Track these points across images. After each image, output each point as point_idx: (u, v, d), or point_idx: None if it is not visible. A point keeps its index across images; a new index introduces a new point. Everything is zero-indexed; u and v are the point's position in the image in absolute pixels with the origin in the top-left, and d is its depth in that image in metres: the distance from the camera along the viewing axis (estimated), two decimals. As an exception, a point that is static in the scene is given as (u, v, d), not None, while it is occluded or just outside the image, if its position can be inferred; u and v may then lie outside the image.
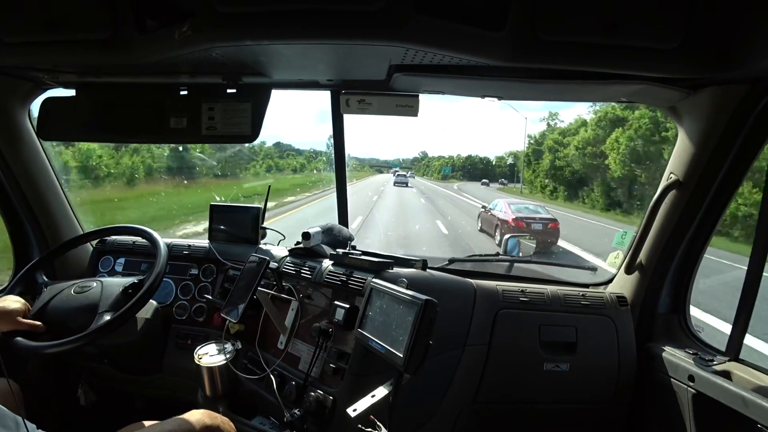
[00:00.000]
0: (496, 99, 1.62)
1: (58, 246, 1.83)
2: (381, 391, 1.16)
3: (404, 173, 35.79)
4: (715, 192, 1.44)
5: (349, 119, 1.84)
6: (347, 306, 1.47)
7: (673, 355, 1.52)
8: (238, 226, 2.13)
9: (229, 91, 1.61)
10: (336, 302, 1.51)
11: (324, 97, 1.83)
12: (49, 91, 1.77)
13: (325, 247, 1.82)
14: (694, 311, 1.50)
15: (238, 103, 1.59)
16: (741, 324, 1.37)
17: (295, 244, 1.88)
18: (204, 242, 2.11)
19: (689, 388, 1.41)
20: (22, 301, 1.57)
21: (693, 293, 1.65)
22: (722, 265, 7.06)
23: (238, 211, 2.15)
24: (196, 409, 1.29)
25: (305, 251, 1.81)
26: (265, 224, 2.12)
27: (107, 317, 1.52)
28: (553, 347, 1.66)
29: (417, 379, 1.16)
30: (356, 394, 1.20)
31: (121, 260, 2.11)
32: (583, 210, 19.44)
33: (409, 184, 31.14)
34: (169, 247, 1.90)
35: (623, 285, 1.77)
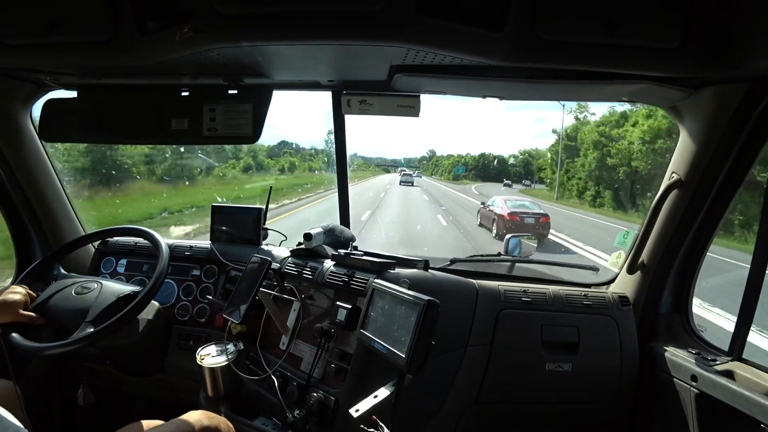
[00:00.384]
0: (497, 99, 1.62)
1: (60, 247, 1.84)
2: (383, 392, 1.16)
3: (410, 173, 35.76)
4: (717, 191, 1.43)
5: (357, 118, 1.83)
6: (349, 306, 1.47)
7: (675, 354, 1.52)
8: (240, 226, 2.13)
9: (230, 92, 1.61)
10: (338, 303, 1.51)
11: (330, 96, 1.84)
12: (50, 93, 1.78)
13: (326, 247, 1.82)
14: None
15: (240, 104, 1.59)
16: (744, 324, 1.37)
17: (297, 245, 1.88)
18: (206, 243, 2.12)
19: (692, 388, 1.41)
20: (24, 292, 1.57)
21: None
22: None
23: (239, 212, 2.15)
24: (195, 410, 1.30)
25: (307, 252, 1.81)
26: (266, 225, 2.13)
27: (89, 330, 1.50)
28: (556, 347, 1.66)
29: (419, 379, 1.16)
30: (358, 394, 1.20)
31: (123, 261, 2.11)
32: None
33: (414, 184, 31.18)
34: (171, 248, 1.90)
35: (625, 285, 1.76)
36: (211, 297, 1.94)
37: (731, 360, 1.39)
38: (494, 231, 11.75)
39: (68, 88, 1.71)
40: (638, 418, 1.67)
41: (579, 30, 1.08)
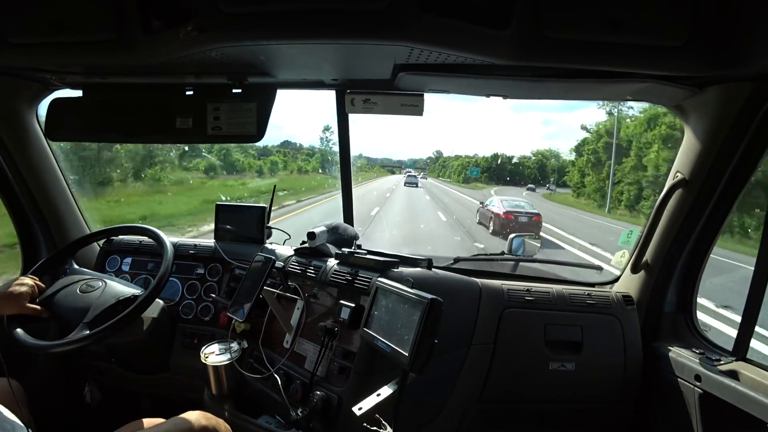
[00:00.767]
0: (501, 98, 1.62)
1: (67, 245, 1.85)
2: (386, 390, 1.16)
3: (415, 174, 35.60)
4: (722, 191, 1.43)
5: (362, 120, 1.84)
6: (353, 305, 1.47)
7: (679, 354, 1.52)
8: (244, 225, 2.13)
9: (234, 91, 1.61)
10: (341, 301, 1.52)
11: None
12: (56, 92, 1.79)
13: (330, 246, 1.82)
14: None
15: (244, 103, 1.60)
16: (748, 324, 1.36)
17: (301, 244, 1.89)
18: (210, 242, 2.12)
19: (696, 388, 1.40)
20: (31, 284, 1.58)
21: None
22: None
23: (243, 210, 2.15)
24: (194, 410, 1.30)
25: (311, 250, 1.81)
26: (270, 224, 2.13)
27: (85, 332, 1.50)
28: (559, 346, 1.66)
29: (422, 378, 1.16)
30: (362, 393, 1.20)
31: (128, 260, 2.12)
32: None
33: (419, 185, 31.19)
34: (176, 246, 1.91)
35: (629, 284, 1.76)
36: (215, 295, 1.94)
37: (735, 360, 1.39)
38: (491, 228, 12.64)
39: (73, 87, 1.71)
40: (642, 418, 1.67)
41: (583, 28, 1.08)
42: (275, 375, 1.54)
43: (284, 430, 1.50)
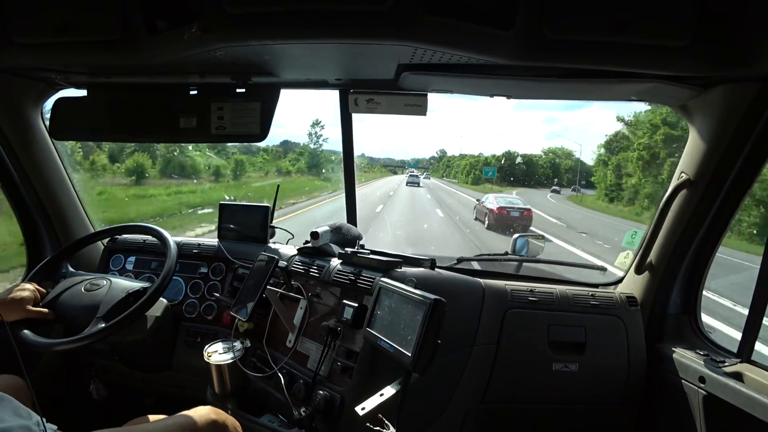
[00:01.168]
0: (504, 98, 1.61)
1: (70, 244, 1.86)
2: (389, 390, 1.16)
3: (416, 174, 35.40)
4: (727, 191, 1.42)
5: (364, 118, 1.83)
6: (356, 305, 1.48)
7: (683, 356, 1.51)
8: (248, 224, 2.14)
9: (238, 90, 1.62)
10: (345, 301, 1.52)
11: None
12: (61, 92, 1.80)
13: (333, 246, 1.82)
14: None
15: (247, 103, 1.60)
16: (753, 325, 1.35)
17: (304, 243, 1.89)
18: (213, 241, 2.13)
19: (700, 390, 1.40)
20: (32, 289, 1.59)
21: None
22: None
23: (247, 210, 2.16)
24: (203, 406, 1.31)
25: (314, 250, 1.81)
26: (273, 223, 2.14)
27: (101, 325, 1.53)
28: (562, 347, 1.65)
29: (425, 378, 1.16)
30: (365, 392, 1.21)
31: (132, 259, 2.13)
32: None
33: (420, 185, 31.08)
34: (179, 245, 1.91)
35: (633, 285, 1.75)
36: (218, 294, 1.95)
37: (740, 362, 1.38)
38: (486, 223, 13.74)
39: (78, 86, 1.72)
40: (645, 420, 1.66)
41: (588, 28, 1.07)
42: (278, 374, 1.55)
43: (287, 429, 1.51)
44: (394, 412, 1.16)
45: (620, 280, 1.86)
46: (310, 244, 1.82)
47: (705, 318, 1.65)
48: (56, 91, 1.80)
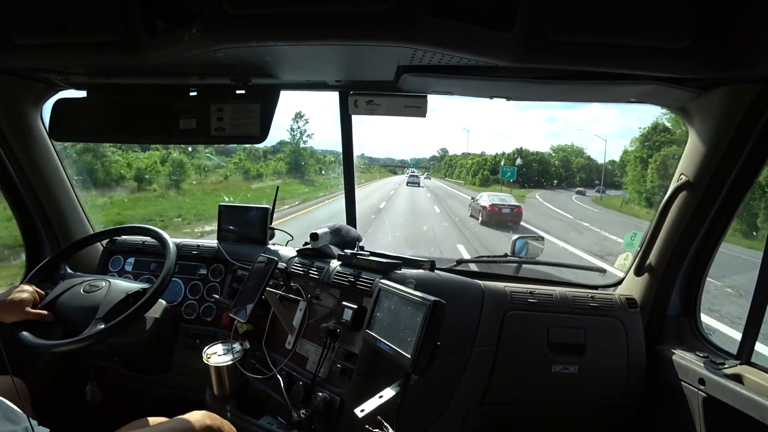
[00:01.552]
0: (504, 99, 1.61)
1: (68, 246, 1.85)
2: (388, 392, 1.16)
3: (417, 174, 35.42)
4: (727, 193, 1.42)
5: (363, 118, 1.83)
6: (355, 306, 1.47)
7: (683, 358, 1.51)
8: (247, 226, 2.14)
9: (237, 92, 1.62)
10: (344, 303, 1.51)
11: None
12: (60, 93, 1.80)
13: (333, 247, 1.82)
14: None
15: (247, 104, 1.60)
16: (753, 327, 1.35)
17: (304, 245, 1.89)
18: (213, 242, 2.13)
19: (700, 392, 1.40)
20: (31, 290, 1.59)
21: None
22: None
23: (246, 211, 2.16)
24: (198, 410, 1.30)
25: (313, 252, 1.81)
26: (273, 224, 2.13)
27: (100, 326, 1.52)
28: (562, 349, 1.65)
29: (425, 380, 1.16)
30: (364, 394, 1.20)
31: (131, 260, 2.13)
32: None
33: (420, 185, 30.99)
34: (179, 246, 1.91)
35: (633, 287, 1.75)
36: (217, 296, 1.95)
37: (740, 364, 1.38)
38: (480, 219, 15.35)
39: (78, 87, 1.72)
40: (645, 422, 1.66)
41: (588, 30, 1.07)
42: (277, 376, 1.54)
43: (286, 431, 1.50)
44: (394, 414, 1.16)
45: (620, 282, 1.86)
46: (309, 246, 1.82)
47: (705, 319, 1.66)
48: (56, 91, 1.80)
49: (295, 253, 1.88)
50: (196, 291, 2.03)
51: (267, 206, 2.13)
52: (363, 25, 1.08)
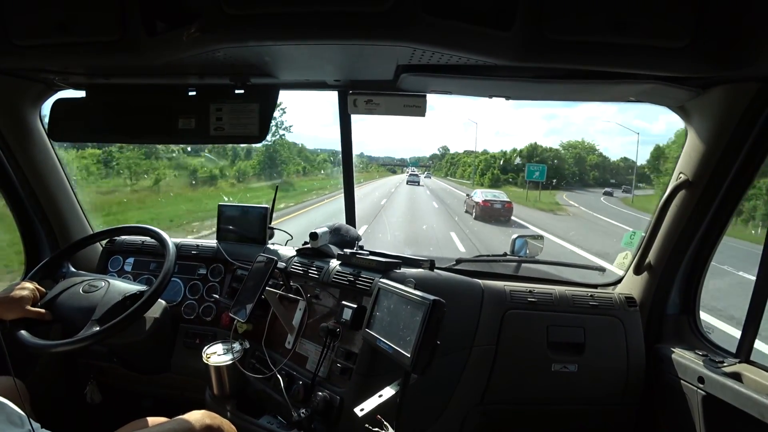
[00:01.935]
0: (503, 99, 1.62)
1: (67, 246, 1.85)
2: (388, 391, 1.16)
3: (417, 173, 35.36)
4: (726, 192, 1.42)
5: (363, 116, 1.83)
6: (355, 306, 1.48)
7: (682, 356, 1.51)
8: (246, 226, 2.14)
9: (236, 91, 1.62)
10: (344, 302, 1.52)
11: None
12: (59, 93, 1.79)
13: (332, 247, 1.82)
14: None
15: (246, 104, 1.60)
16: (752, 325, 1.36)
17: (303, 244, 1.89)
18: (212, 242, 2.13)
19: (699, 390, 1.40)
20: (32, 288, 1.58)
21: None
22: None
23: (245, 211, 2.16)
24: (198, 410, 1.30)
25: (313, 251, 1.81)
26: (272, 224, 2.13)
27: (95, 328, 1.50)
28: (562, 348, 1.65)
29: (424, 379, 1.16)
30: (364, 393, 1.20)
31: (130, 260, 2.13)
32: None
33: (420, 183, 30.97)
34: (178, 246, 1.91)
35: (632, 286, 1.76)
36: (217, 296, 1.95)
37: (739, 362, 1.38)
38: (474, 214, 16.77)
39: (77, 88, 1.72)
40: (644, 420, 1.66)
41: (587, 29, 1.07)
42: (277, 375, 1.55)
43: (286, 430, 1.51)
44: (393, 413, 1.16)
45: (619, 281, 1.86)
46: (308, 245, 1.82)
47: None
48: (55, 92, 1.79)
49: (295, 253, 1.88)
50: (195, 291, 2.03)
51: (266, 206, 2.13)
52: (362, 25, 1.07)
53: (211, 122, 1.61)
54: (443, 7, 1.07)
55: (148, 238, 2.00)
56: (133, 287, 1.69)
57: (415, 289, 1.23)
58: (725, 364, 1.38)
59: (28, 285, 1.59)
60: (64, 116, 1.68)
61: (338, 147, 1.98)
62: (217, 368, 1.63)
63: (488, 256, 2.12)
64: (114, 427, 1.34)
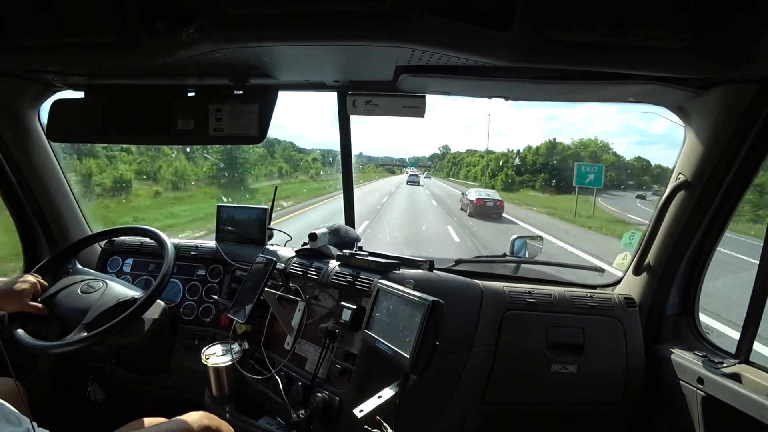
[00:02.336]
0: (502, 99, 1.62)
1: (69, 246, 1.85)
2: (387, 392, 1.16)
3: (416, 173, 35.28)
4: (725, 192, 1.42)
5: (362, 116, 1.82)
6: (354, 307, 1.47)
7: (681, 357, 1.51)
8: (245, 226, 2.14)
9: (236, 92, 1.61)
10: (343, 303, 1.52)
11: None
12: (58, 93, 1.79)
13: (331, 248, 1.82)
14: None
15: (245, 105, 1.60)
16: (751, 326, 1.36)
17: (302, 245, 1.89)
18: (211, 243, 2.12)
19: (698, 391, 1.40)
20: (33, 281, 1.58)
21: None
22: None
23: (245, 211, 2.16)
24: (196, 411, 1.30)
25: (312, 252, 1.81)
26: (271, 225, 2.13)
27: (83, 334, 1.48)
28: (561, 349, 1.65)
29: (424, 380, 1.16)
30: (363, 394, 1.20)
31: (129, 261, 2.12)
32: None
33: (420, 183, 31.07)
34: (177, 247, 1.91)
35: (631, 286, 1.76)
36: (216, 297, 1.94)
37: (738, 363, 1.38)
38: (468, 211, 17.75)
39: (76, 88, 1.72)
40: (644, 421, 1.66)
41: (586, 30, 1.07)
42: (276, 376, 1.54)
43: (285, 431, 1.50)
44: (393, 414, 1.16)
45: (618, 282, 1.86)
46: (308, 246, 1.82)
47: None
48: (54, 92, 1.79)
49: (294, 254, 1.88)
50: (194, 292, 2.03)
51: (265, 206, 2.12)
52: (361, 25, 1.07)
53: (210, 123, 1.60)
54: (442, 7, 1.07)
55: (147, 239, 2.00)
56: (128, 292, 1.66)
57: (414, 289, 1.23)
58: (724, 365, 1.38)
59: (30, 278, 1.59)
60: (62, 117, 1.68)
61: (329, 146, 1.97)
62: (216, 369, 1.63)
63: (487, 256, 2.12)
64: (113, 428, 1.33)
